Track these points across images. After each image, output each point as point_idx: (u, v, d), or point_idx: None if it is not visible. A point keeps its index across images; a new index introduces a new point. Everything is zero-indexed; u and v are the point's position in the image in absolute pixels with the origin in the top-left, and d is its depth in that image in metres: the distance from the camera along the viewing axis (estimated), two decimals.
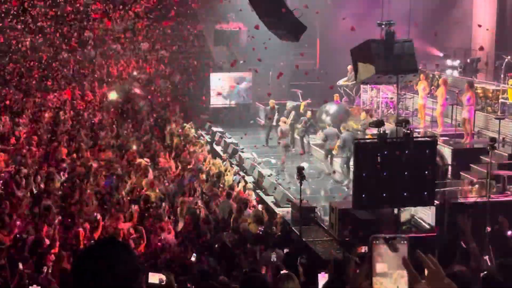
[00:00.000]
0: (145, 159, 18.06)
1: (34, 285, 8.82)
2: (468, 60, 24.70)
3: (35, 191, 15.05)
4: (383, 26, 16.29)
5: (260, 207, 15.63)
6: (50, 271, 10.30)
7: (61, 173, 16.36)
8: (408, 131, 13.78)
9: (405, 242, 2.32)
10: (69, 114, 22.77)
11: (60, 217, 13.06)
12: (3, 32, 26.90)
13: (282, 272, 5.90)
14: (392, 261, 2.30)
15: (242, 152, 21.09)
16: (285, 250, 12.02)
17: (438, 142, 15.21)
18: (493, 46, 24.76)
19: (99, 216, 12.99)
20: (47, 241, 11.65)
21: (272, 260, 11.03)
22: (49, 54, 27.07)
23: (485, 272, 5.03)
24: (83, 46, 27.68)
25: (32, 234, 12.00)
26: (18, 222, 12.34)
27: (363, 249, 11.15)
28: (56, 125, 21.47)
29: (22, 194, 14.40)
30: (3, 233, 11.78)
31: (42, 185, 15.43)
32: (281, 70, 24.23)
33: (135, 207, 13.72)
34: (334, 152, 19.28)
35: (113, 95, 22.91)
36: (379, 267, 2.29)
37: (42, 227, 12.22)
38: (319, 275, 6.13)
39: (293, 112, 22.56)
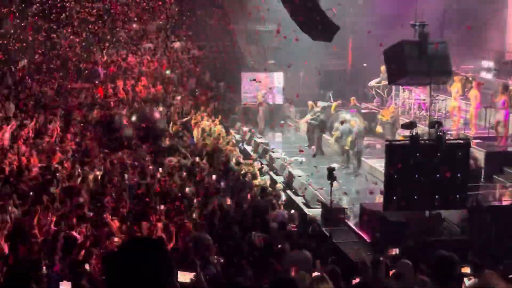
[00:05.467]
0: (171, 158, 18.16)
1: (64, 281, 8.89)
2: (503, 62, 24.34)
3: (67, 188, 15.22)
4: (416, 27, 16.13)
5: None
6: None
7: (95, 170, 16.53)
8: (441, 133, 13.65)
9: None
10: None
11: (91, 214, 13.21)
12: (39, 32, 27.27)
13: (315, 274, 5.88)
14: None
15: (273, 152, 21.10)
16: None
17: (471, 145, 15.03)
18: None
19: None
20: (79, 238, 11.79)
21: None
22: (82, 52, 27.38)
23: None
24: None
25: (64, 231, 12.14)
26: (53, 218, 12.47)
27: (394, 251, 11.07)
28: (88, 122, 21.71)
29: (55, 190, 14.56)
30: (37, 228, 11.93)
31: (75, 182, 15.58)
32: (312, 70, 24.21)
33: (161, 207, 13.78)
34: (346, 147, 20.05)
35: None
36: None
37: (74, 224, 12.35)
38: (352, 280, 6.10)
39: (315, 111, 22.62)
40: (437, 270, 4.72)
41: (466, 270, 6.80)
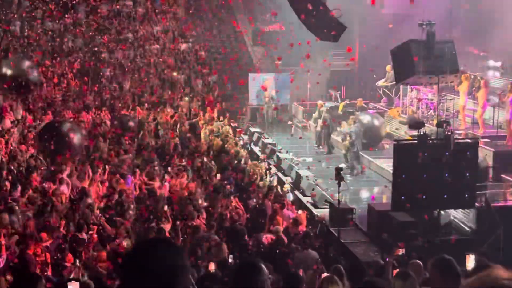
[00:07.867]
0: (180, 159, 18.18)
1: (73, 281, 8.93)
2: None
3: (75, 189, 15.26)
4: (424, 26, 16.08)
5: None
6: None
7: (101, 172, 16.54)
8: (449, 133, 13.61)
9: None
10: (108, 115, 23.02)
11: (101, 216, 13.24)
12: (46, 32, 27.36)
13: (324, 275, 5.87)
14: None
15: (280, 152, 21.09)
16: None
17: (479, 144, 14.97)
18: None
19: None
20: (86, 238, 11.82)
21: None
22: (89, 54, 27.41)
23: None
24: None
25: (71, 232, 12.18)
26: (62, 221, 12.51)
27: (401, 251, 11.04)
28: (96, 125, 21.73)
29: (64, 191, 14.59)
30: (46, 229, 11.96)
31: (83, 183, 15.61)
32: (320, 71, 24.18)
33: (165, 208, 13.79)
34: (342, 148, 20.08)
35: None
36: None
37: (82, 225, 12.37)
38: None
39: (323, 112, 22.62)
40: (436, 273, 4.70)
41: (471, 261, 6.78)
